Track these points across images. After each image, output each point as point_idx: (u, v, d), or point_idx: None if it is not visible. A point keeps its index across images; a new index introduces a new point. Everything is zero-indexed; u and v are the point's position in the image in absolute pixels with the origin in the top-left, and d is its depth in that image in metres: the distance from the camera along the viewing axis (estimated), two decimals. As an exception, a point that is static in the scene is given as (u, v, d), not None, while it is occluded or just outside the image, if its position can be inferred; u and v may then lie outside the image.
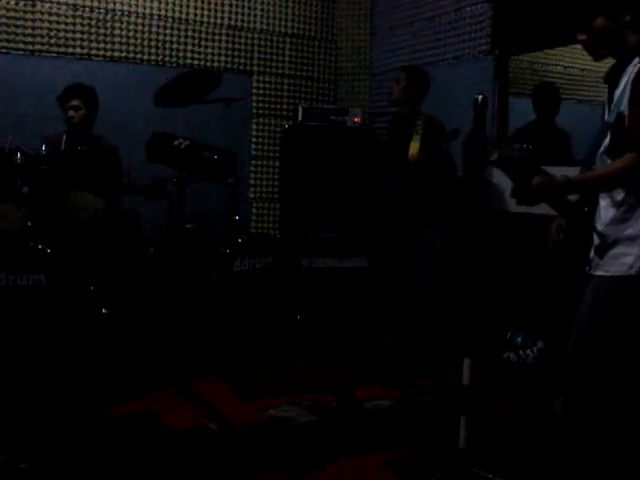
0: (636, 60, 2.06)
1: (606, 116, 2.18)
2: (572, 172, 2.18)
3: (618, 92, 2.10)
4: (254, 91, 5.50)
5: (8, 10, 4.60)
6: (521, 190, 2.01)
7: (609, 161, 2.09)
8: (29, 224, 3.45)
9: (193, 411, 3.18)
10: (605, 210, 2.12)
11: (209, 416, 3.11)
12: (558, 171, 2.24)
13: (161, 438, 2.91)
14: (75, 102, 4.09)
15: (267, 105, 5.56)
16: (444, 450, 2.75)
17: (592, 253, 2.16)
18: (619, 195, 2.06)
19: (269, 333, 3.97)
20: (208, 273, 3.92)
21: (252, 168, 5.53)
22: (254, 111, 5.50)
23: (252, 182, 5.55)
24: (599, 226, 2.14)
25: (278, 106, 5.60)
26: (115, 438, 2.88)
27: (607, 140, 2.10)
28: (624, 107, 2.03)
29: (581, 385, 2.10)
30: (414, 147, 4.11)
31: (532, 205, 2.05)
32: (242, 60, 5.44)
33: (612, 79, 2.16)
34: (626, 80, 2.06)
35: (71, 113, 4.09)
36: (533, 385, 3.29)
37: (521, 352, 3.58)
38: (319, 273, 4.64)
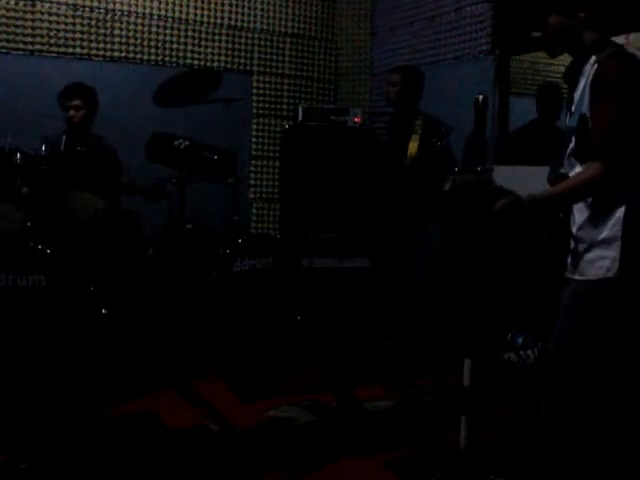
0: (593, 59, 2.04)
1: (567, 119, 2.16)
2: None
3: (578, 94, 2.07)
4: (254, 91, 5.50)
5: (8, 10, 4.60)
6: (486, 211, 2.01)
7: (577, 164, 2.07)
8: (29, 224, 3.45)
9: (193, 411, 3.18)
10: (579, 214, 2.10)
11: (209, 416, 3.11)
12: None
13: (161, 438, 2.91)
14: (76, 102, 4.09)
15: (267, 105, 5.55)
16: (444, 450, 2.74)
17: (569, 258, 2.15)
18: (592, 199, 2.05)
19: (269, 333, 3.97)
20: (208, 273, 3.92)
21: (252, 168, 5.53)
22: (254, 111, 5.50)
23: (252, 182, 5.55)
24: (574, 230, 2.12)
25: (278, 106, 5.60)
26: (115, 438, 2.87)
27: (573, 143, 2.07)
28: (586, 109, 2.01)
29: (563, 388, 2.09)
30: (413, 147, 4.11)
31: (501, 223, 2.07)
32: (242, 60, 5.44)
33: (571, 79, 2.14)
34: (585, 81, 2.04)
35: (72, 112, 4.09)
36: (533, 385, 3.29)
37: (522, 353, 3.58)
38: (319, 273, 4.64)
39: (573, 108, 2.09)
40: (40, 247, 3.36)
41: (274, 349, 3.89)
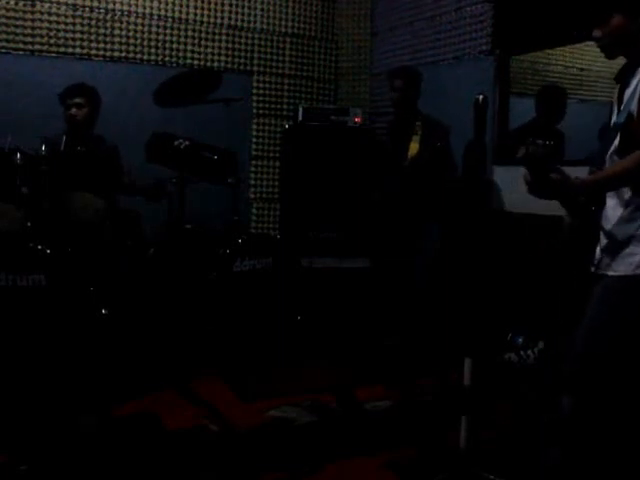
0: None
1: (614, 116, 2.17)
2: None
3: (629, 92, 2.08)
4: (254, 91, 5.50)
5: (8, 10, 4.60)
6: (538, 185, 2.00)
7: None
8: (29, 224, 3.45)
9: (193, 411, 3.18)
10: (613, 210, 2.11)
11: (209, 416, 3.11)
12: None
13: (161, 438, 2.91)
14: (78, 100, 4.07)
15: (267, 105, 5.55)
16: (445, 450, 2.74)
17: (599, 253, 2.15)
18: (627, 194, 2.06)
19: (269, 333, 3.97)
20: (208, 273, 3.92)
21: (252, 168, 5.53)
22: (254, 111, 5.50)
23: (252, 182, 5.54)
24: (607, 226, 2.13)
25: (278, 106, 5.60)
26: (115, 438, 2.87)
27: (617, 140, 2.09)
28: (634, 108, 2.02)
29: (591, 386, 2.09)
30: (414, 148, 4.12)
31: (546, 199, 2.06)
32: (242, 60, 5.43)
33: (623, 79, 2.15)
34: (637, 81, 2.05)
35: (74, 111, 4.07)
36: (533, 385, 3.29)
37: (522, 352, 3.58)
38: (319, 273, 4.64)
39: (622, 107, 2.10)
40: (40, 247, 3.36)
41: (274, 349, 3.89)
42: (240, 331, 3.90)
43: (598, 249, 2.16)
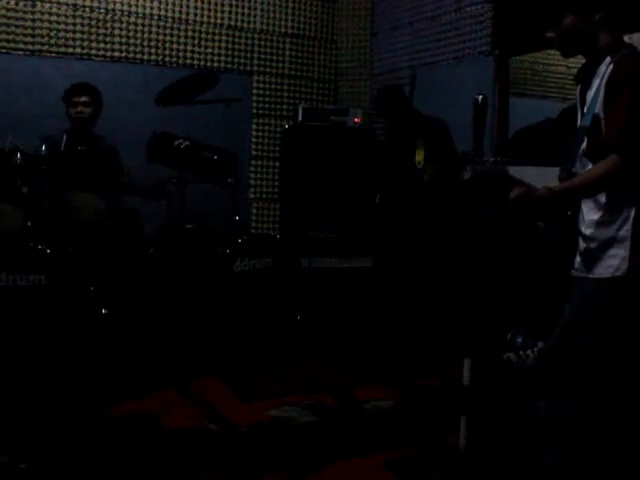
0: (608, 60, 2.03)
1: (579, 118, 2.16)
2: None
3: (591, 93, 2.06)
4: (254, 91, 5.50)
5: (8, 10, 4.61)
6: (498, 205, 1.99)
7: (589, 163, 2.06)
8: (29, 224, 3.45)
9: (193, 411, 3.18)
10: (588, 213, 2.09)
11: (209, 416, 3.11)
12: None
13: (161, 438, 2.91)
14: (85, 98, 4.06)
15: (267, 105, 5.56)
16: (444, 450, 2.74)
17: (577, 257, 2.15)
18: (602, 198, 2.04)
19: (269, 333, 3.97)
20: (208, 273, 3.92)
21: (252, 168, 5.54)
22: (254, 111, 5.51)
23: (252, 182, 5.55)
24: (584, 229, 2.11)
25: (278, 106, 5.60)
26: (115, 438, 2.87)
27: (585, 143, 2.06)
28: (599, 110, 2.00)
29: (569, 388, 2.09)
30: (420, 154, 4.11)
31: (511, 218, 2.05)
32: (242, 60, 5.44)
33: (583, 79, 2.14)
34: (599, 81, 2.03)
35: (80, 108, 4.04)
36: (533, 385, 3.29)
37: (521, 353, 3.58)
38: (319, 273, 4.64)
39: (585, 108, 2.09)
40: (40, 247, 3.36)
41: (274, 349, 3.89)
42: (240, 331, 3.90)
43: (577, 252, 2.15)
